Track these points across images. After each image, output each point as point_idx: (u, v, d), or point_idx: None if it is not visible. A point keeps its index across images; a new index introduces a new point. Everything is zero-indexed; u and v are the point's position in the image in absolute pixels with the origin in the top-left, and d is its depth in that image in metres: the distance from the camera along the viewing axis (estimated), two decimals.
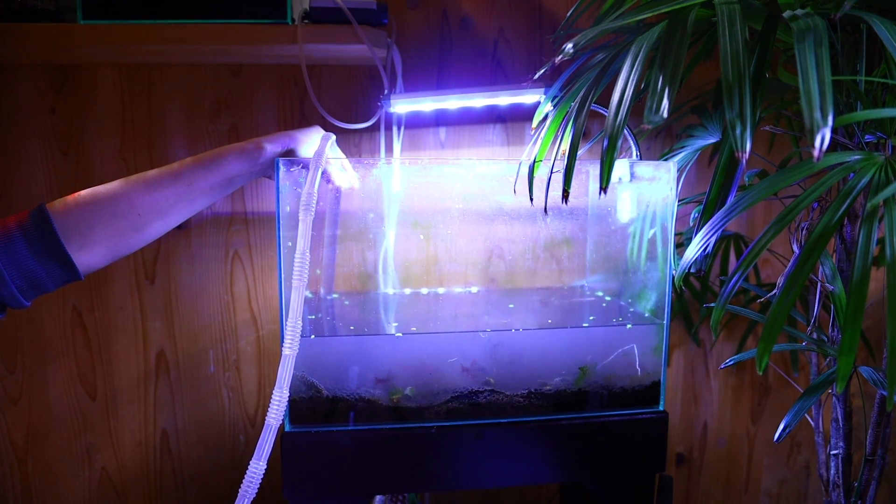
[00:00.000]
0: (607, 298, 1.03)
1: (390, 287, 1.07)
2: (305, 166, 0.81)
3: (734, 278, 0.59)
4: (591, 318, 0.95)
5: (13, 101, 1.06)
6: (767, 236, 0.58)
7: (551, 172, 0.72)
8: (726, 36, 0.51)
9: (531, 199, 0.75)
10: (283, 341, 0.73)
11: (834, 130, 0.79)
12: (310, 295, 1.10)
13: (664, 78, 0.50)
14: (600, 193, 0.54)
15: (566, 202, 0.61)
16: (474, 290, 1.14)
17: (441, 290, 1.13)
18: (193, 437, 1.19)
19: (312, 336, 0.85)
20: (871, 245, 0.53)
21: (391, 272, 1.08)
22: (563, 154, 0.63)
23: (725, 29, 0.51)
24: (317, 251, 1.06)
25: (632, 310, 1.00)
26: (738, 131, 0.46)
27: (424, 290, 1.12)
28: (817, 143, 0.44)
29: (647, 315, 0.96)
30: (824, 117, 0.44)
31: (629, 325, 0.92)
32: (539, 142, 0.75)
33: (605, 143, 0.54)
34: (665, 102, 0.49)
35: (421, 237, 1.04)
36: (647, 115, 0.49)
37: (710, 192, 0.66)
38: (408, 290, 1.10)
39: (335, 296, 1.08)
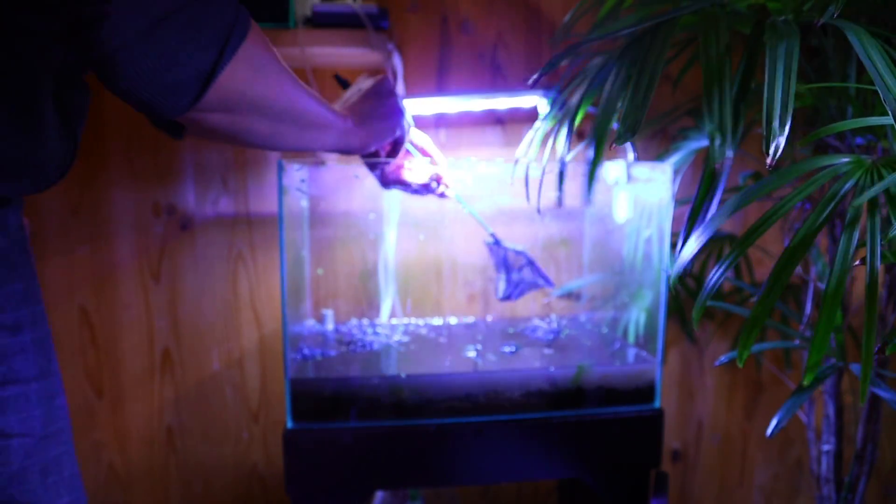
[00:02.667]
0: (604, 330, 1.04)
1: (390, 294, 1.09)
2: (306, 166, 0.82)
3: (717, 272, 0.61)
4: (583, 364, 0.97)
5: None
6: (755, 234, 0.59)
7: (543, 174, 0.73)
8: (707, 45, 0.53)
9: (527, 198, 0.77)
10: None
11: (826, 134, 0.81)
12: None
13: (637, 96, 0.51)
14: (586, 202, 0.56)
15: (561, 205, 0.63)
16: (470, 319, 1.16)
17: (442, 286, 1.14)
18: (198, 434, 1.21)
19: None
20: (852, 247, 0.54)
21: (391, 270, 1.10)
22: (556, 156, 0.65)
23: (707, 39, 0.53)
24: (317, 252, 1.08)
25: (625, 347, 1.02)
26: (717, 142, 0.48)
27: (423, 322, 1.14)
28: (771, 151, 0.46)
29: (643, 353, 0.97)
30: (781, 126, 0.47)
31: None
32: (533, 143, 0.76)
33: (592, 150, 0.56)
34: (639, 120, 0.50)
35: (421, 237, 1.05)
36: (618, 139, 0.51)
37: (697, 195, 0.68)
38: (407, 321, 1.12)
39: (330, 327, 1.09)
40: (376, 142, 0.71)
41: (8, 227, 0.64)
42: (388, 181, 0.80)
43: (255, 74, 0.55)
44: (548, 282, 0.95)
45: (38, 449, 0.68)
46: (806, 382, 0.49)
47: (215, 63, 0.50)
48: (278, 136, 0.63)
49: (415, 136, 0.80)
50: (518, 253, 0.92)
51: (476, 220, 0.91)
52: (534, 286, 0.93)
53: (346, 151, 0.70)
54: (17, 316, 0.67)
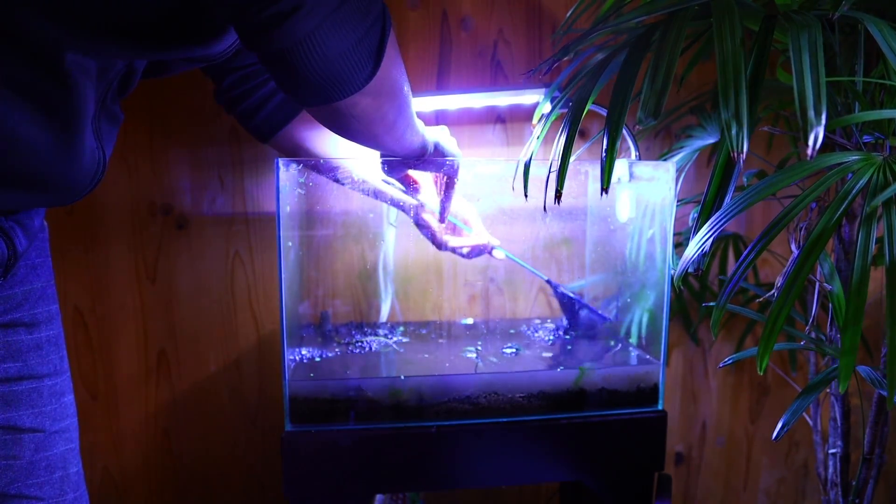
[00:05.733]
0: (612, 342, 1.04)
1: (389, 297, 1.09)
2: (306, 166, 0.81)
3: (733, 281, 0.60)
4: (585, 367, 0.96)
5: None
6: (766, 238, 0.58)
7: (549, 173, 0.72)
8: (721, 35, 0.51)
9: (525, 197, 0.76)
10: None
11: (832, 131, 0.80)
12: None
13: (657, 81, 0.50)
14: (601, 194, 0.55)
15: (559, 202, 0.62)
16: (469, 320, 1.16)
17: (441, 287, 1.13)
18: (194, 437, 1.19)
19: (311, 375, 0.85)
20: (871, 246, 0.53)
21: (391, 271, 1.08)
22: (559, 156, 0.64)
23: (721, 29, 0.52)
24: (315, 252, 1.06)
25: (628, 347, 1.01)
26: (733, 131, 0.47)
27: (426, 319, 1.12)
28: (811, 142, 0.45)
29: (646, 354, 0.96)
30: (818, 116, 0.45)
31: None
32: (535, 142, 0.75)
33: (605, 144, 0.54)
34: (660, 104, 0.49)
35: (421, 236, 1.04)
36: (640, 118, 0.49)
37: (707, 192, 0.67)
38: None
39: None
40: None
41: (32, 229, 0.65)
42: (443, 248, 0.92)
43: (395, 59, 0.58)
44: (604, 318, 1.06)
45: (46, 444, 0.69)
46: (842, 391, 0.48)
47: (381, 40, 0.53)
48: (396, 123, 0.66)
49: (460, 207, 0.90)
50: (575, 297, 1.06)
51: (529, 271, 1.01)
52: (593, 321, 1.08)
53: (412, 152, 0.75)
54: (34, 314, 0.68)
